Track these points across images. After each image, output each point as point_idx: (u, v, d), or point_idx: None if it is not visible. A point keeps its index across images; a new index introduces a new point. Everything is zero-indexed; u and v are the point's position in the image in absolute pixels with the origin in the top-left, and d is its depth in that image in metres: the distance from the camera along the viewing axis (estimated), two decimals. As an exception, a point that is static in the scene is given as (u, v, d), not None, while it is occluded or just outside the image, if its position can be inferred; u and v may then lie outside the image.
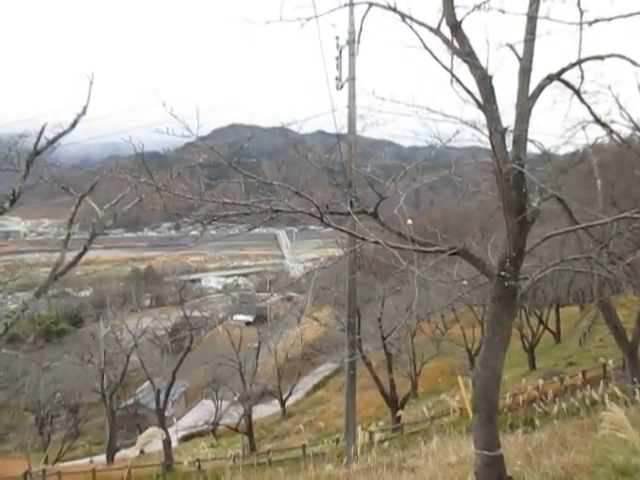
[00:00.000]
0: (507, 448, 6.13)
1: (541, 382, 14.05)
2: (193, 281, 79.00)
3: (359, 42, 6.45)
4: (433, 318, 32.13)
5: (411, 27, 4.64)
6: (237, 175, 6.13)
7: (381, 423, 19.62)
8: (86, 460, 33.07)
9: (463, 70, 4.72)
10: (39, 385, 32.19)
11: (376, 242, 4.92)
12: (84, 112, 6.69)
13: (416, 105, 4.81)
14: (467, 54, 4.60)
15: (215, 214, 5.32)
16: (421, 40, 4.62)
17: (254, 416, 31.71)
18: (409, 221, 5.64)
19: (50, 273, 6.97)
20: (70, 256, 7.17)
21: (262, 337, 37.95)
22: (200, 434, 36.49)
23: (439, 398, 20.57)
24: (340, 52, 12.10)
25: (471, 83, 4.69)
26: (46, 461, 29.94)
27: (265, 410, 38.93)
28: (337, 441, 14.33)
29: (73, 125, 6.68)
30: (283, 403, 39.19)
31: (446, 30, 4.72)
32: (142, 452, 32.96)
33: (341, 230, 5.68)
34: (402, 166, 6.19)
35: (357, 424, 13.51)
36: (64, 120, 6.57)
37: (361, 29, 6.08)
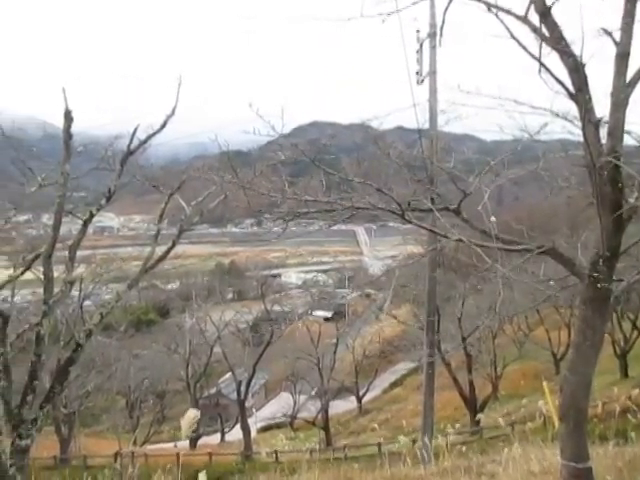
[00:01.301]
0: (596, 461, 5.76)
1: (636, 391, 13.13)
2: (274, 276, 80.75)
3: (441, 35, 6.27)
4: (516, 319, 30.91)
5: (497, 16, 4.46)
6: (318, 172, 6.18)
7: (459, 425, 19.15)
8: (171, 444, 34.71)
9: (552, 59, 4.48)
10: (129, 371, 34.14)
11: (459, 240, 4.77)
12: (173, 113, 7.01)
13: (503, 97, 4.62)
14: (557, 41, 4.35)
15: (297, 211, 5.39)
16: (507, 29, 4.44)
17: (331, 411, 31.98)
18: (492, 218, 5.44)
19: (141, 266, 7.36)
20: (160, 250, 7.53)
21: (340, 333, 38.14)
22: (278, 426, 37.32)
23: (521, 403, 19.77)
24: (421, 46, 11.87)
25: (561, 72, 4.44)
26: (134, 443, 31.76)
27: (342, 406, 39.14)
28: (413, 441, 14.14)
29: (163, 126, 7.01)
30: (360, 399, 39.23)
31: (534, 17, 4.50)
32: (223, 440, 34.22)
33: (423, 227, 5.57)
34: (486, 161, 5.99)
35: (434, 425, 13.27)
36: (155, 121, 6.94)
37: (443, 21, 5.93)
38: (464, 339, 23.22)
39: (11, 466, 6.86)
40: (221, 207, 8.87)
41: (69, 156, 6.65)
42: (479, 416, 21.50)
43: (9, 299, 8.71)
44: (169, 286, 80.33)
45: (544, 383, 10.71)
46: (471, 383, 24.01)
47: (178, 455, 20.21)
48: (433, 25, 11.44)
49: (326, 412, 30.23)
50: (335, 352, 34.85)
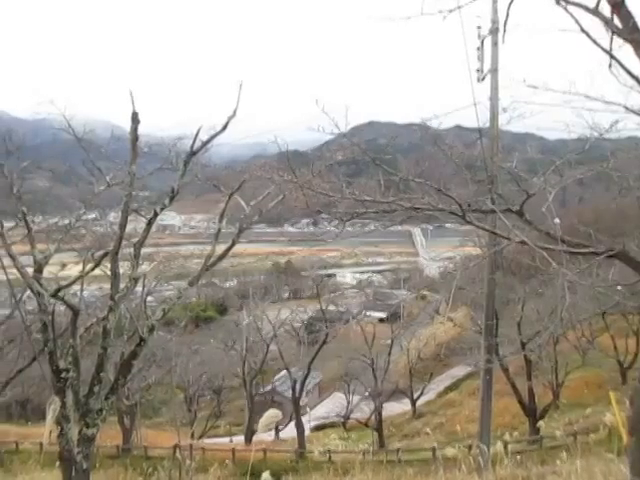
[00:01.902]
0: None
1: None
2: (329, 276, 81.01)
3: (504, 31, 6.09)
4: (579, 325, 29.65)
5: (565, 9, 4.28)
6: (374, 173, 6.15)
7: (517, 433, 18.58)
8: (226, 439, 35.45)
9: (625, 52, 4.27)
10: (188, 366, 35.10)
11: (523, 242, 4.62)
12: (234, 114, 7.15)
13: (572, 93, 4.43)
14: (631, 33, 4.14)
15: (355, 211, 5.37)
16: (577, 22, 4.25)
17: (384, 413, 31.75)
18: (556, 220, 5.25)
19: (202, 264, 7.55)
20: (220, 249, 7.70)
21: (395, 335, 37.77)
22: (331, 425, 37.38)
23: (584, 413, 18.97)
24: (482, 43, 11.59)
25: (636, 66, 4.22)
26: (192, 436, 32.63)
27: (395, 408, 38.78)
28: (469, 447, 13.83)
29: (224, 127, 7.17)
30: (414, 402, 38.73)
31: (606, 9, 4.29)
32: (277, 437, 34.60)
33: (485, 229, 5.43)
34: (550, 161, 5.78)
35: (491, 432, 12.93)
36: (217, 122, 7.11)
37: (507, 16, 5.76)
38: (524, 344, 22.45)
39: (78, 453, 7.20)
40: (279, 207, 8.98)
41: (136, 157, 6.91)
42: (539, 424, 20.79)
43: (78, 294, 9.14)
44: (227, 284, 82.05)
45: (610, 393, 10.22)
46: (530, 390, 23.21)
47: (234, 450, 20.68)
48: (495, 21, 11.14)
49: (379, 414, 30.04)
50: (390, 353, 34.56)
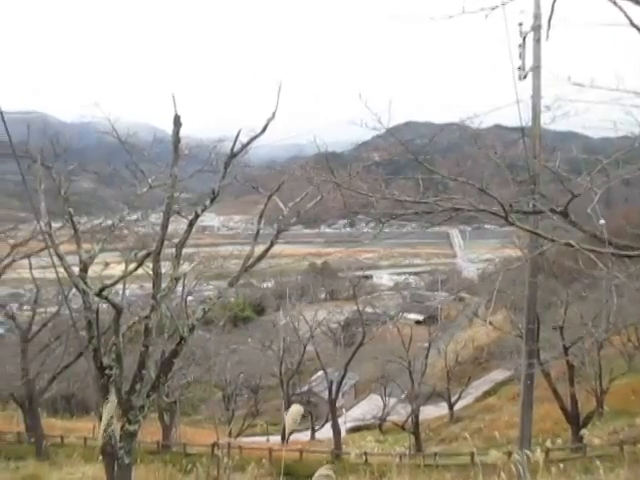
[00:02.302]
0: None
1: None
2: (366, 277, 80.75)
3: (549, 27, 5.94)
4: (625, 330, 28.64)
5: (614, 3, 4.15)
6: (411, 173, 6.09)
7: (559, 440, 18.07)
8: (263, 438, 35.72)
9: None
10: (226, 365, 35.56)
11: (568, 244, 4.49)
12: (273, 117, 7.21)
13: (621, 90, 4.28)
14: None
15: (394, 212, 5.33)
16: (626, 16, 4.10)
17: (421, 416, 31.41)
18: (602, 221, 5.08)
19: (241, 265, 7.64)
20: (258, 250, 7.78)
21: (432, 337, 37.36)
22: (367, 427, 37.21)
23: (632, 421, 18.33)
24: (524, 39, 11.34)
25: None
26: (230, 434, 33.03)
27: (432, 411, 38.32)
28: (509, 454, 13.55)
29: (264, 129, 7.24)
30: (451, 406, 38.20)
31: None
32: (313, 437, 34.68)
33: (528, 231, 5.31)
34: (596, 160, 5.60)
35: (532, 438, 12.61)
36: (256, 125, 7.19)
37: (552, 11, 5.62)
38: (566, 349, 21.85)
39: (120, 448, 7.38)
40: (316, 208, 9.01)
41: (177, 159, 7.05)
42: (583, 432, 20.18)
43: (120, 292, 9.38)
44: (264, 284, 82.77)
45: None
46: (573, 396, 22.55)
47: (270, 450, 20.83)
48: (538, 16, 10.87)
49: (416, 417, 29.74)
50: (427, 356, 34.22)
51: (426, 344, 36.18)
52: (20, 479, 13.16)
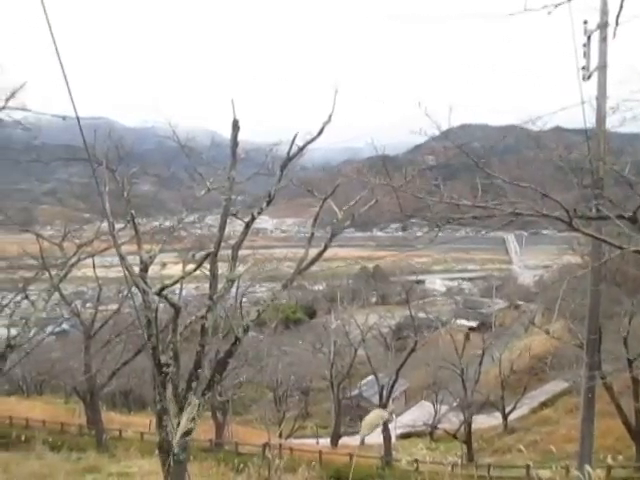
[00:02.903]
0: None
1: None
2: (418, 282, 79.86)
3: (617, 24, 5.70)
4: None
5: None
6: (467, 176, 5.97)
7: (621, 457, 17.23)
8: (313, 440, 35.82)
9: None
10: (278, 366, 35.91)
11: (638, 252, 4.28)
12: (329, 120, 7.24)
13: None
14: None
15: (451, 216, 5.24)
16: None
17: (473, 425, 30.69)
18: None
19: (296, 267, 7.71)
20: (312, 253, 7.82)
21: (486, 345, 36.46)
22: (418, 434, 36.69)
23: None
24: (588, 38, 10.92)
25: None
26: (280, 435, 33.31)
27: (485, 421, 37.36)
28: (566, 469, 13.02)
29: (320, 133, 7.28)
30: (505, 417, 37.13)
31: None
32: (362, 443, 34.49)
33: (595, 237, 5.10)
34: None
35: (592, 454, 12.09)
36: (312, 128, 7.23)
37: (621, 7, 5.39)
38: (631, 362, 20.83)
39: (176, 445, 7.56)
40: (369, 211, 8.97)
41: (235, 162, 7.18)
42: (647, 449, 19.21)
43: (177, 292, 9.63)
44: (316, 287, 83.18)
45: None
46: (638, 411, 21.48)
47: (321, 452, 20.86)
48: (605, 12, 10.44)
49: (469, 426, 29.08)
50: (480, 364, 33.42)
51: (479, 351, 35.35)
52: (81, 470, 13.71)
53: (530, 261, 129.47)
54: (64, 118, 6.72)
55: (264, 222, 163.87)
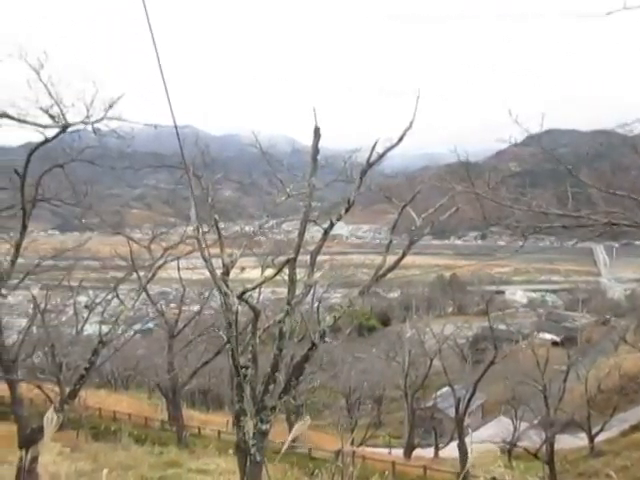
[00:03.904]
0: None
1: None
2: (497, 292, 77.28)
3: None
4: None
5: None
6: (551, 183, 5.70)
7: None
8: (385, 450, 35.40)
9: None
10: (351, 373, 35.85)
11: None
12: (410, 126, 7.17)
13: None
14: None
15: (538, 225, 5.01)
16: None
17: (556, 445, 29.16)
18: None
19: (373, 274, 7.67)
20: (389, 260, 7.76)
21: (572, 361, 34.60)
22: (495, 451, 35.34)
23: None
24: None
25: None
26: (352, 442, 33.17)
27: (569, 441, 35.37)
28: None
29: (400, 139, 7.22)
30: (592, 438, 34.99)
31: None
32: (436, 455, 33.71)
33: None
34: None
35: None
36: (392, 134, 7.18)
37: None
38: None
39: (253, 445, 7.70)
40: (448, 218, 8.78)
41: (316, 169, 7.26)
42: None
43: (254, 295, 9.85)
44: (391, 294, 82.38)
45: None
46: None
47: (394, 463, 20.59)
48: None
49: (551, 445, 27.64)
50: (565, 380, 31.76)
51: (564, 367, 33.61)
52: (163, 464, 14.30)
53: (621, 274, 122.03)
54: (155, 127, 7.10)
55: (340, 228, 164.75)
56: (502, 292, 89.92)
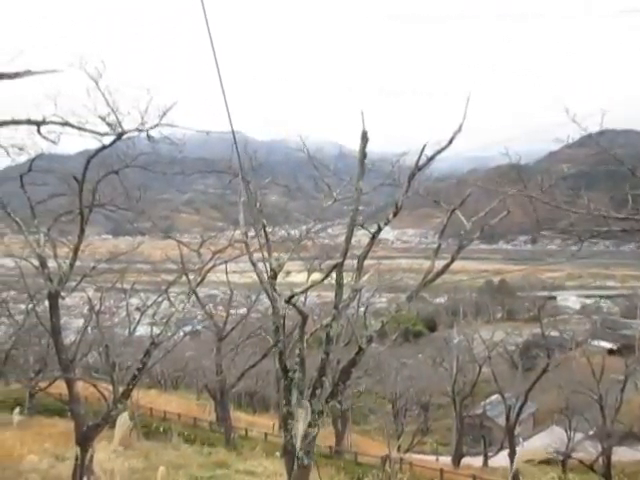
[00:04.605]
0: None
1: None
2: (549, 298, 75.00)
3: None
4: None
5: None
6: (605, 185, 5.49)
7: None
8: (432, 457, 34.83)
9: None
10: (397, 378, 35.48)
11: None
12: (460, 129, 7.05)
13: None
14: None
15: (595, 229, 4.83)
16: None
17: (613, 457, 27.97)
18: None
19: (421, 279, 7.58)
20: (438, 264, 7.65)
21: (629, 370, 33.14)
22: (547, 461, 34.21)
23: None
24: None
25: None
26: (398, 449, 32.81)
27: (627, 454, 33.84)
28: None
29: (450, 142, 7.11)
30: (652, 451, 33.41)
31: None
32: (485, 464, 32.92)
33: None
34: None
35: None
36: (441, 138, 7.07)
37: None
38: None
39: (300, 449, 7.72)
40: (498, 222, 8.58)
41: (363, 173, 7.24)
42: None
43: (301, 299, 9.89)
44: (437, 300, 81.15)
45: None
46: None
47: (442, 471, 20.23)
48: None
49: (608, 458, 26.56)
50: (622, 391, 30.44)
51: (621, 377, 32.20)
52: (211, 464, 14.53)
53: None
54: (208, 133, 7.26)
55: (385, 232, 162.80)
56: (554, 298, 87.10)
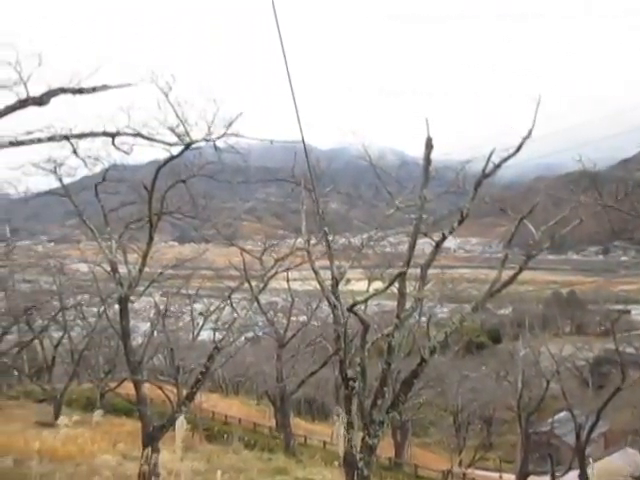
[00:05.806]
0: None
1: None
2: (622, 312, 71.14)
3: None
4: None
5: None
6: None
7: None
8: (495, 474, 33.68)
9: None
10: (458, 391, 34.58)
11: None
12: (529, 135, 6.82)
13: None
14: None
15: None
16: None
17: (694, 484, 26.10)
18: None
19: (488, 289, 7.36)
20: (504, 275, 7.41)
21: None
22: (620, 485, 32.34)
23: None
24: None
25: None
26: (460, 464, 31.92)
27: None
28: None
29: (518, 149, 6.89)
30: None
31: None
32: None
33: None
34: None
35: None
36: (509, 144, 6.86)
37: None
38: None
39: (360, 459, 7.65)
40: (573, 232, 8.23)
41: (427, 181, 7.14)
42: None
43: (361, 308, 9.83)
44: (502, 311, 78.52)
45: None
46: None
47: (506, 488, 19.53)
48: None
49: (689, 484, 24.82)
50: None
51: None
52: (271, 470, 14.64)
53: None
54: (272, 142, 7.39)
55: (447, 241, 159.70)
56: (628, 312, 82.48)
